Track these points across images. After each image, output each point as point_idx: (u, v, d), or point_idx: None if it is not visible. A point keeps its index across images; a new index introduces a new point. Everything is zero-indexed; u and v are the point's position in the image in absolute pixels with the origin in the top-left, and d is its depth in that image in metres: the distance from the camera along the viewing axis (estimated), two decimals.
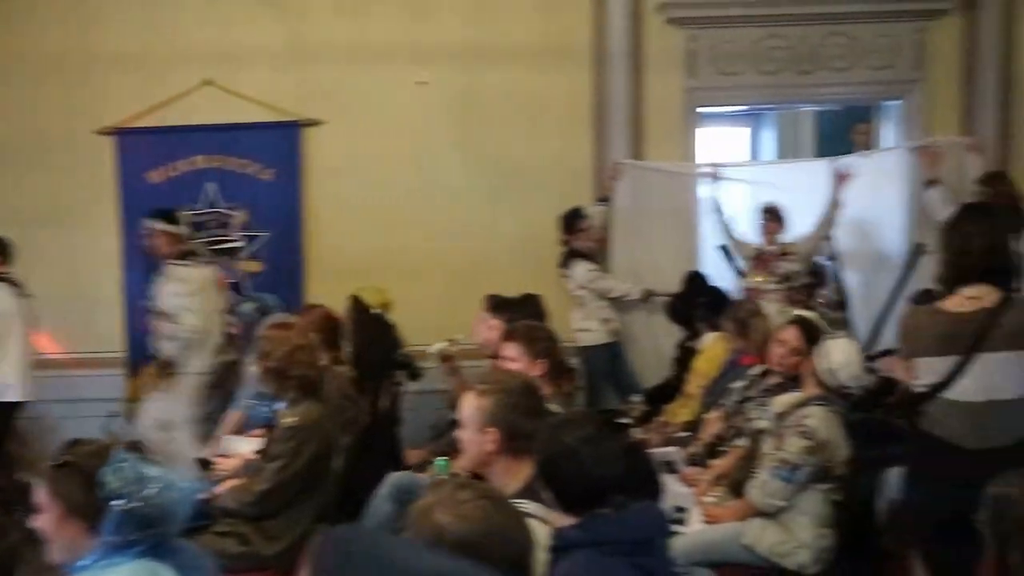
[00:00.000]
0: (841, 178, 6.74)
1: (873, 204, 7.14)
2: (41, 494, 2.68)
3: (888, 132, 7.77)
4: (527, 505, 2.82)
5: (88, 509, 2.59)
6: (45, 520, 2.67)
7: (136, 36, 7.19)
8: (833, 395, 4.42)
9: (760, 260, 6.87)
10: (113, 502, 2.49)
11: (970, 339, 3.57)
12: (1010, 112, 7.20)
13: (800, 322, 4.76)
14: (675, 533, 4.19)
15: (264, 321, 5.82)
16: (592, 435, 2.78)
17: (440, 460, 4.14)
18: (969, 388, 3.59)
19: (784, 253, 6.76)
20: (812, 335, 4.64)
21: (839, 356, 4.40)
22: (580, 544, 2.62)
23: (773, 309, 6.58)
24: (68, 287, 7.22)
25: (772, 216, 6.85)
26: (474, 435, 3.13)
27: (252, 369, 5.33)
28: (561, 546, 2.63)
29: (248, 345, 5.98)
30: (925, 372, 3.71)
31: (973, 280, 3.63)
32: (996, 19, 7.12)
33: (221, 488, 4.48)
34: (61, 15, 7.19)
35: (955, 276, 3.68)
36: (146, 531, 2.54)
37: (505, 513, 2.24)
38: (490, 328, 5.23)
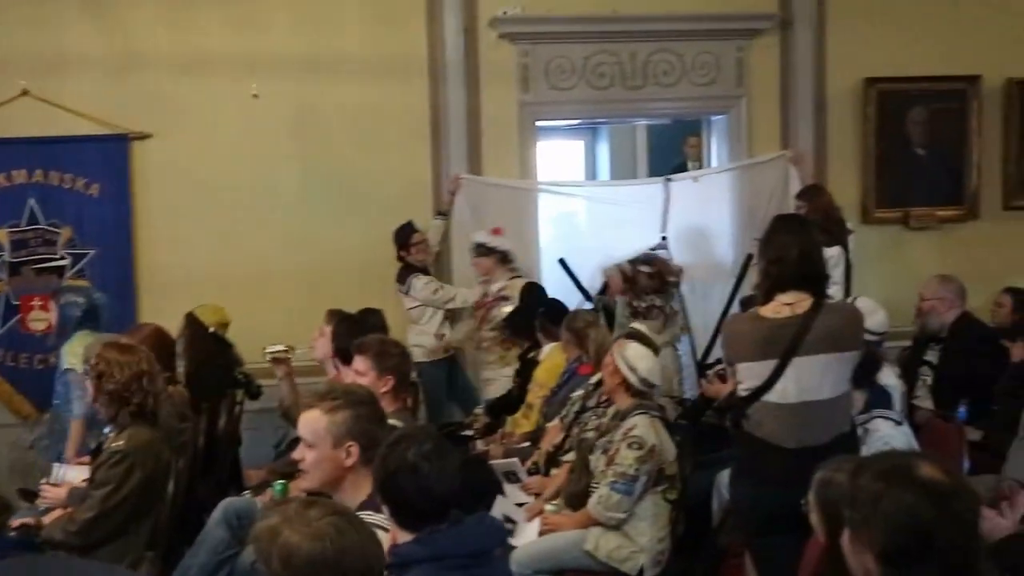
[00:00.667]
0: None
1: (704, 219, 7.43)
2: None
3: (716, 145, 7.99)
4: (373, 516, 2.84)
5: None
6: None
7: None
8: (650, 401, 4.60)
9: (478, 306, 6.92)
10: None
11: (786, 343, 3.69)
12: (824, 126, 7.56)
13: (636, 336, 4.92)
14: (511, 544, 4.31)
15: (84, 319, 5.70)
16: (432, 450, 2.78)
17: (278, 484, 4.09)
18: (787, 390, 3.70)
19: (503, 297, 6.78)
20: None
21: (643, 363, 4.59)
22: (419, 560, 2.63)
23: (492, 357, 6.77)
24: None
25: (482, 252, 6.91)
26: (328, 452, 3.09)
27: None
28: (399, 563, 2.65)
29: (60, 338, 5.83)
30: (747, 376, 3.81)
31: (788, 287, 3.76)
32: (809, 38, 7.45)
33: (48, 518, 4.34)
34: None
35: (771, 284, 3.81)
36: None
37: (356, 528, 2.24)
38: (328, 342, 5.23)
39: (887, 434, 4.26)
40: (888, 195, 7.66)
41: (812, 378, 3.73)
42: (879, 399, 4.50)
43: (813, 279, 3.82)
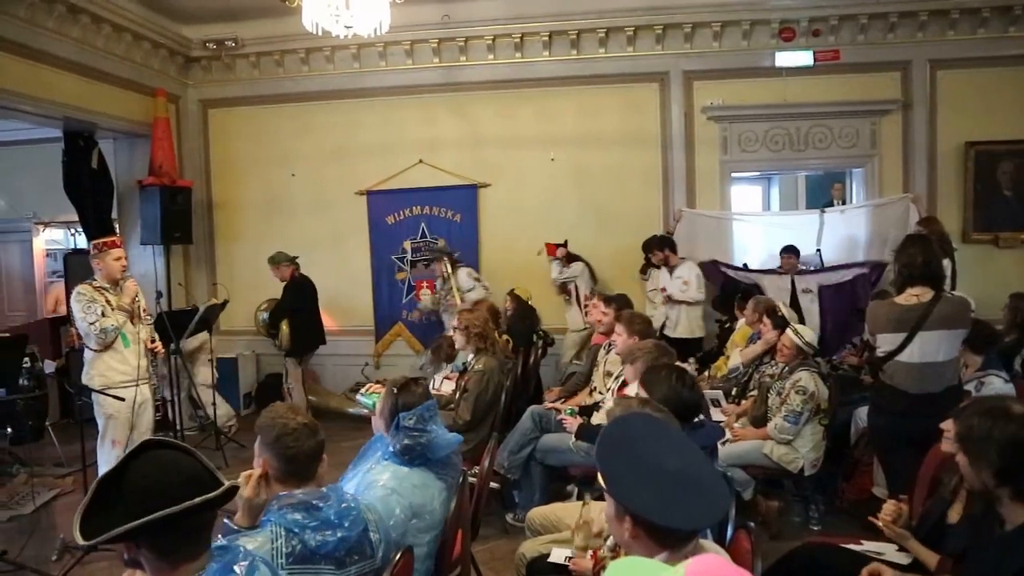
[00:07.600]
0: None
1: (846, 240, 6.96)
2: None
3: (856, 189, 7.54)
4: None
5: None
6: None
7: (379, 134, 7.48)
8: (811, 360, 4.45)
9: None
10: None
11: (914, 322, 3.52)
12: (935, 176, 6.95)
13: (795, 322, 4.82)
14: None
15: None
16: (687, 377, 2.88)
17: (568, 408, 4.25)
18: (913, 354, 3.53)
19: None
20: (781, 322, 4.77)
21: (811, 336, 4.48)
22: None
23: None
24: (339, 286, 7.54)
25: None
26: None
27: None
28: None
29: None
30: (884, 343, 3.65)
31: (916, 283, 3.57)
32: (924, 115, 6.91)
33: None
34: (333, 125, 7.55)
35: (904, 280, 3.61)
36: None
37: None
38: (602, 313, 5.33)
39: (998, 387, 3.96)
40: (982, 223, 6.95)
41: (931, 347, 3.53)
42: (992, 362, 4.16)
43: (933, 278, 3.59)
